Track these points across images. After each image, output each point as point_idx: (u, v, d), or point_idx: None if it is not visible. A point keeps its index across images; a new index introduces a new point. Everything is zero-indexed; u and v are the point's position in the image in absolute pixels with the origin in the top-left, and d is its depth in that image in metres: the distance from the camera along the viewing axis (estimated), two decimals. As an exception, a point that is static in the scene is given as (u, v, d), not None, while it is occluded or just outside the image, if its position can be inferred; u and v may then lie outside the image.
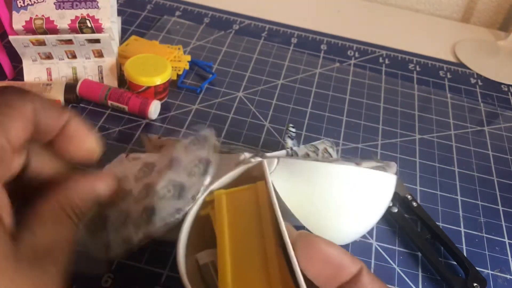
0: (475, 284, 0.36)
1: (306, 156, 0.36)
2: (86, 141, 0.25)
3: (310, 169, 0.29)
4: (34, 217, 0.21)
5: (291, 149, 0.35)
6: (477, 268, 0.37)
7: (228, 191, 0.28)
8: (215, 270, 0.26)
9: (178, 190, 0.29)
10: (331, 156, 0.39)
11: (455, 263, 0.38)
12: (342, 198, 0.30)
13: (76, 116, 0.24)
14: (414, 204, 0.41)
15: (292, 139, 0.37)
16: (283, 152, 0.34)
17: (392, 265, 0.38)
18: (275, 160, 0.30)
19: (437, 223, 0.41)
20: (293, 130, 0.37)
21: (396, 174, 0.33)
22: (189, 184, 0.29)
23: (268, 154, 0.31)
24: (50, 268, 0.20)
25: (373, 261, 0.38)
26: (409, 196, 0.42)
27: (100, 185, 0.25)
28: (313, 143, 0.39)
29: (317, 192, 0.29)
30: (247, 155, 0.31)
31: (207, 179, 0.28)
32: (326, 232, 0.24)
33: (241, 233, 0.25)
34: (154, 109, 0.46)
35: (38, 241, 0.21)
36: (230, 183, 0.30)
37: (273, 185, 0.27)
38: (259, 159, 0.30)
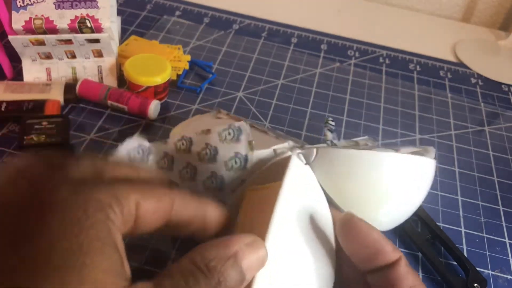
0: (475, 285, 0.35)
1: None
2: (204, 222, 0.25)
3: (350, 157, 0.30)
4: (163, 273, 0.21)
5: (331, 142, 0.36)
6: (478, 269, 0.37)
7: (250, 188, 0.29)
8: None
9: (219, 183, 0.30)
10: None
11: (455, 263, 0.38)
12: (383, 184, 0.30)
13: (180, 194, 0.24)
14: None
15: (332, 132, 0.37)
16: (323, 145, 0.35)
17: (392, 265, 0.38)
18: (314, 151, 0.30)
19: (438, 223, 0.41)
20: (333, 123, 0.37)
21: (435, 158, 0.33)
22: (227, 178, 0.30)
23: (307, 146, 0.32)
24: None
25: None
26: None
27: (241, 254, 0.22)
28: (354, 139, 0.39)
29: (358, 180, 0.30)
30: (290, 143, 0.32)
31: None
32: (368, 219, 0.25)
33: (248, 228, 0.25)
34: (154, 109, 0.46)
35: None
36: (261, 175, 0.31)
37: (311, 175, 0.28)
38: (297, 150, 0.30)
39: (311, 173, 0.30)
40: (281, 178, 0.26)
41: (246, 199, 0.29)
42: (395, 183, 0.30)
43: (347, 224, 0.24)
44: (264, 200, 0.26)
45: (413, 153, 0.32)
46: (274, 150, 0.31)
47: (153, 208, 0.22)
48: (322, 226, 0.26)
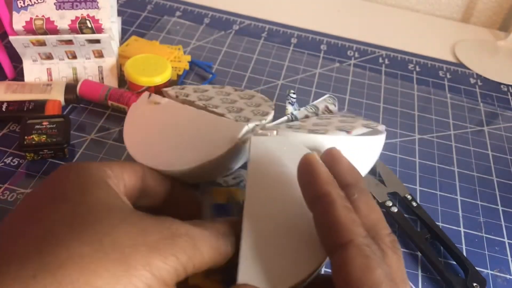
0: (474, 284, 0.36)
1: (305, 118, 0.37)
2: (189, 203, 0.30)
3: (303, 141, 0.31)
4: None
5: (292, 114, 0.37)
6: (477, 268, 0.37)
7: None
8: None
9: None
10: (331, 113, 0.40)
11: (455, 263, 0.38)
12: None
13: (178, 183, 0.29)
14: (414, 204, 0.41)
15: (292, 104, 0.38)
16: (284, 118, 0.36)
17: (392, 265, 0.38)
18: (274, 132, 0.31)
19: (437, 223, 0.41)
20: (294, 96, 0.38)
21: (384, 132, 0.34)
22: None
23: (268, 126, 0.33)
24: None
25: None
26: (409, 196, 0.42)
27: None
28: (315, 102, 0.40)
29: None
30: (250, 126, 0.32)
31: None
32: None
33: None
34: (154, 109, 0.46)
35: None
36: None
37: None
38: (259, 131, 0.31)
39: (282, 139, 0.30)
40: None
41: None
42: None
43: (303, 158, 0.24)
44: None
45: (365, 127, 0.34)
46: (238, 140, 0.31)
47: (130, 174, 0.26)
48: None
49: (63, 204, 0.21)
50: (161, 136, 0.32)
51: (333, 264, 0.21)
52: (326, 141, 0.31)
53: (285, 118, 0.36)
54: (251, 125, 0.32)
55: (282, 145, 0.29)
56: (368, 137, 0.33)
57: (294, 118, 0.37)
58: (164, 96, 0.36)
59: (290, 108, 0.38)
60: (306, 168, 0.23)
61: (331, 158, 0.26)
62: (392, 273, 0.20)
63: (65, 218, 0.20)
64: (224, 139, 0.30)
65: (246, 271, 0.22)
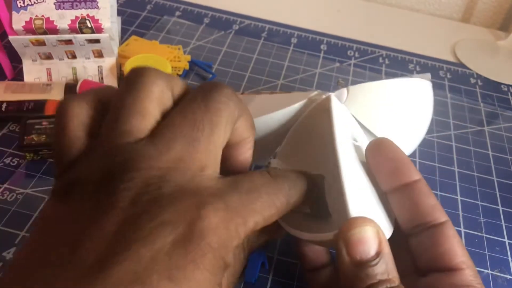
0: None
1: None
2: None
3: (381, 86, 0.34)
4: None
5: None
6: (477, 268, 0.37)
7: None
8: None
9: None
10: None
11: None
12: (410, 108, 0.35)
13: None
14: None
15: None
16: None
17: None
18: (345, 90, 0.33)
19: (437, 223, 0.41)
20: (343, 82, 0.41)
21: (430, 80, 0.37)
22: None
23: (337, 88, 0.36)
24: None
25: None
26: None
27: None
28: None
29: (389, 106, 0.34)
30: (320, 91, 0.34)
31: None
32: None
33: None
34: (154, 109, 0.46)
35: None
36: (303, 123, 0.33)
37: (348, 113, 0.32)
38: (328, 93, 0.33)
39: (348, 112, 0.32)
40: (328, 116, 0.28)
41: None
42: (403, 107, 0.35)
43: (376, 142, 0.26)
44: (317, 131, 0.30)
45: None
46: (309, 98, 0.33)
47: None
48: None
49: None
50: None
51: (425, 240, 0.24)
52: (391, 84, 0.34)
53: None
54: (320, 91, 0.34)
55: (350, 114, 0.32)
56: (422, 76, 0.36)
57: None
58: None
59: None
60: (386, 155, 0.25)
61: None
62: None
63: None
64: (298, 98, 0.33)
65: (356, 208, 0.23)
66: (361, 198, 0.24)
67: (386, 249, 0.21)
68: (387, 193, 0.25)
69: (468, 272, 0.23)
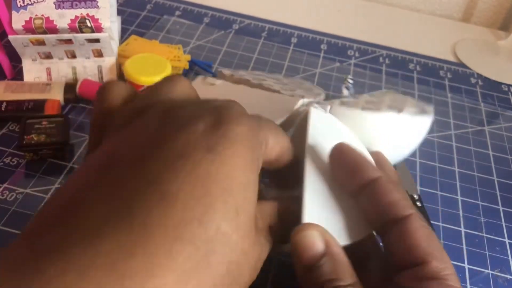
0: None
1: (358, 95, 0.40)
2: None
3: (351, 117, 0.33)
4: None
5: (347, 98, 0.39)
6: (477, 268, 0.37)
7: None
8: None
9: None
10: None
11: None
12: (379, 141, 0.34)
13: None
14: (419, 204, 0.41)
15: (348, 89, 0.40)
16: (337, 100, 0.38)
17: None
18: (328, 107, 0.33)
19: (437, 223, 0.41)
20: (351, 81, 0.40)
21: (432, 113, 0.36)
22: None
23: (323, 102, 0.34)
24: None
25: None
26: (416, 196, 0.42)
27: None
28: (374, 92, 0.42)
29: (360, 136, 0.33)
30: (305, 101, 0.34)
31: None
32: None
33: None
34: (154, 109, 0.46)
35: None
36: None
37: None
38: (314, 105, 0.33)
39: (334, 119, 0.32)
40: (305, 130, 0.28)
41: None
42: (390, 139, 0.34)
43: (334, 148, 0.26)
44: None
45: (413, 108, 0.35)
46: (294, 111, 0.33)
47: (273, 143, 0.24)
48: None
49: None
50: None
51: (391, 237, 0.23)
52: (378, 118, 0.33)
53: (338, 100, 0.38)
54: (306, 100, 0.34)
55: (335, 122, 0.32)
56: (417, 117, 0.34)
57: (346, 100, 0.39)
58: (219, 77, 0.38)
59: (345, 92, 0.39)
60: (345, 159, 0.25)
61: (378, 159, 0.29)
62: None
63: None
64: (281, 111, 0.32)
65: (311, 216, 0.23)
66: (319, 207, 0.24)
67: (335, 250, 0.22)
68: (354, 197, 0.25)
69: (434, 264, 0.21)
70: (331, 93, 0.54)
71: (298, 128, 0.33)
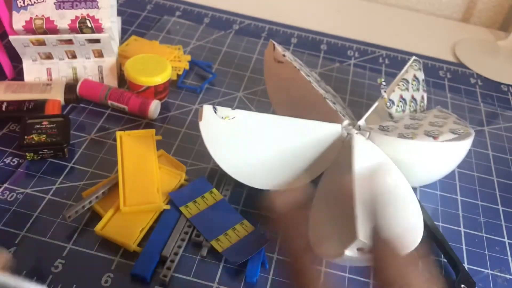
0: (462, 286, 0.36)
1: (402, 112, 0.44)
2: None
3: (391, 144, 0.38)
4: None
5: (390, 100, 0.43)
6: (477, 268, 0.37)
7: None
8: None
9: None
10: (423, 102, 0.47)
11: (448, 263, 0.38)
12: (414, 167, 0.39)
13: None
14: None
15: (384, 90, 0.43)
16: (375, 104, 0.43)
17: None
18: (367, 134, 0.40)
19: (437, 223, 0.41)
20: (384, 83, 0.43)
21: (472, 134, 0.40)
22: None
23: (362, 126, 0.41)
24: None
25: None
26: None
27: None
28: (402, 72, 0.46)
29: (397, 162, 0.38)
30: (345, 123, 0.41)
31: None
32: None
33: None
34: (154, 109, 0.46)
35: None
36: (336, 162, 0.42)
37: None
38: (354, 131, 0.40)
39: (373, 145, 0.39)
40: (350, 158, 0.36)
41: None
42: (422, 166, 0.39)
43: (382, 242, 0.26)
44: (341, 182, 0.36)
45: (454, 131, 0.39)
46: (338, 138, 0.40)
47: None
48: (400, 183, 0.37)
49: None
50: (288, 103, 0.46)
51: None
52: (412, 146, 0.38)
53: (376, 127, 0.41)
54: (346, 122, 0.41)
55: (374, 148, 0.38)
56: (453, 143, 0.37)
57: (390, 105, 0.43)
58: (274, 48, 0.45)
59: (384, 94, 0.43)
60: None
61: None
62: None
63: None
64: (326, 123, 0.40)
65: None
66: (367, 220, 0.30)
67: None
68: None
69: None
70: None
71: (341, 151, 0.40)
